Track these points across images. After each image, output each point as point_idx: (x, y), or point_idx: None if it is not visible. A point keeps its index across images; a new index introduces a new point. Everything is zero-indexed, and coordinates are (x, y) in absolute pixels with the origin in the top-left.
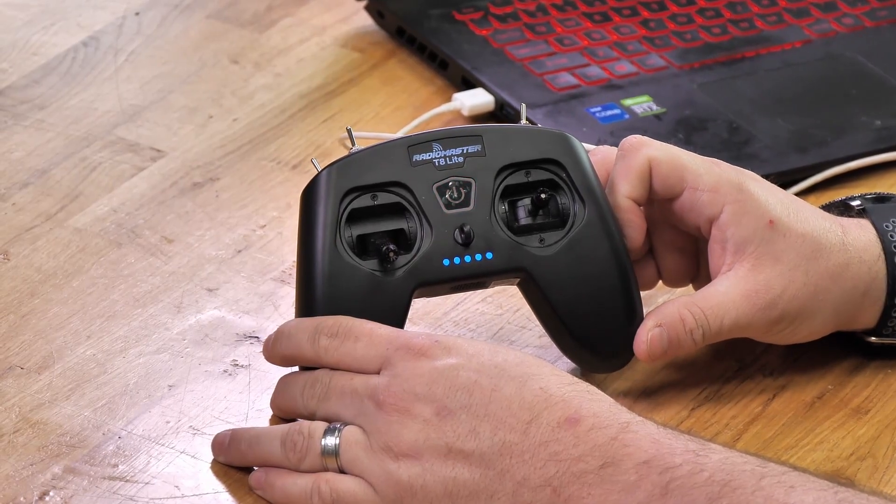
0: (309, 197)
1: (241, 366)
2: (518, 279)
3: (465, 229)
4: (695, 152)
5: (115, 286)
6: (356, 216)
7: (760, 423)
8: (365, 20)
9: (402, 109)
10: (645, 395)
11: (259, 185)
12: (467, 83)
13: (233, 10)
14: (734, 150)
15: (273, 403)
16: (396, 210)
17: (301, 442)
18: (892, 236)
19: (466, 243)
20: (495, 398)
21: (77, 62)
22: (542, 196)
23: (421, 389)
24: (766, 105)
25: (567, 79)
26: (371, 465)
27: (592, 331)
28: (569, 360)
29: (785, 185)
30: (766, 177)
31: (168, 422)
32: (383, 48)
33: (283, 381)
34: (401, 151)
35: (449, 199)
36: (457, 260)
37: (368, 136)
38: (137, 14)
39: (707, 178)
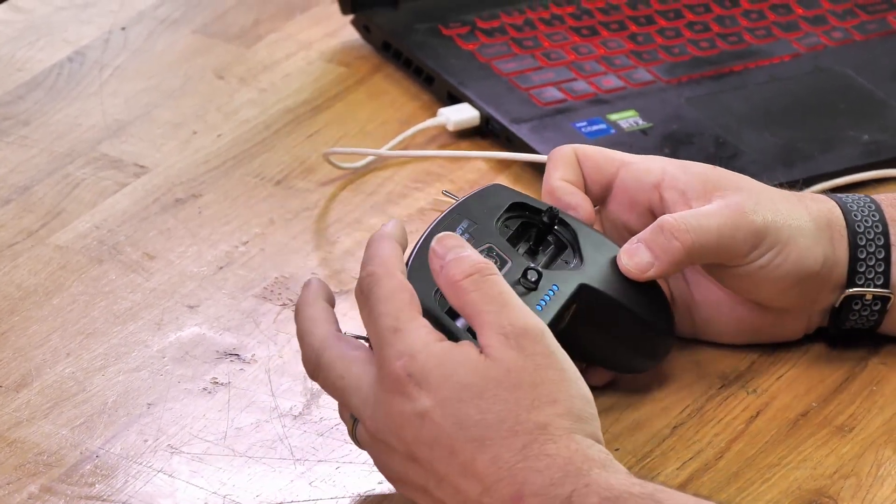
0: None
1: (221, 383)
2: (574, 308)
3: (529, 275)
4: (737, 175)
5: (95, 303)
6: None
7: (743, 440)
8: (351, 35)
9: (388, 124)
10: (627, 414)
11: (242, 202)
12: (453, 98)
13: (219, 25)
14: (721, 164)
15: None
16: None
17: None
18: (838, 195)
19: (537, 283)
20: (452, 462)
21: (62, 77)
22: (546, 220)
23: (394, 432)
24: (754, 119)
25: (553, 93)
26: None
27: (653, 309)
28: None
29: None
30: None
31: (146, 440)
32: (369, 63)
33: None
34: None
35: None
36: (542, 301)
37: (352, 151)
38: (123, 29)
39: (637, 156)
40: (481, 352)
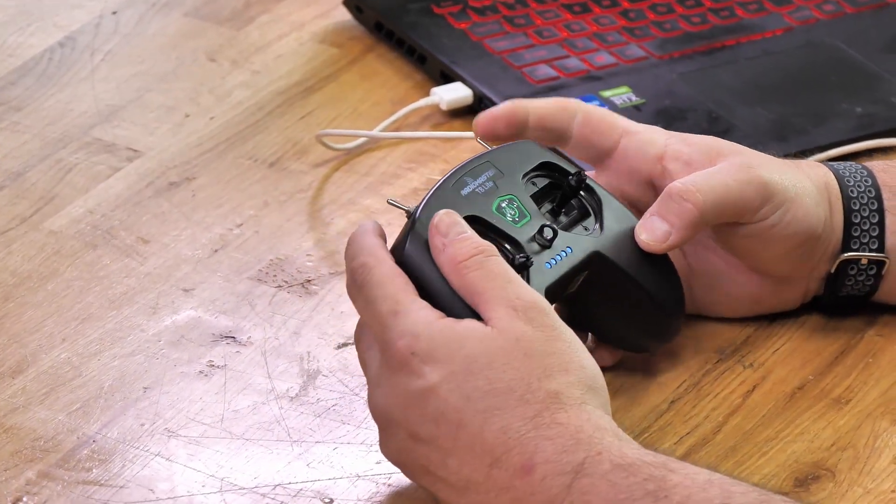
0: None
1: (217, 366)
2: (585, 275)
3: (545, 232)
4: (741, 146)
5: (90, 288)
6: None
7: (740, 414)
8: (343, 15)
9: (381, 104)
10: (624, 389)
11: (236, 184)
12: (446, 77)
13: (211, 8)
14: None
15: None
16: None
17: None
18: (829, 162)
19: (551, 242)
20: (460, 436)
21: (53, 63)
22: (573, 183)
23: (396, 412)
24: (747, 94)
25: (546, 71)
26: None
27: (666, 289)
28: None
29: None
30: None
31: (143, 424)
32: (362, 43)
33: None
34: (450, 190)
35: (511, 218)
36: (553, 261)
37: (345, 133)
38: (115, 13)
39: (639, 125)
40: (487, 324)
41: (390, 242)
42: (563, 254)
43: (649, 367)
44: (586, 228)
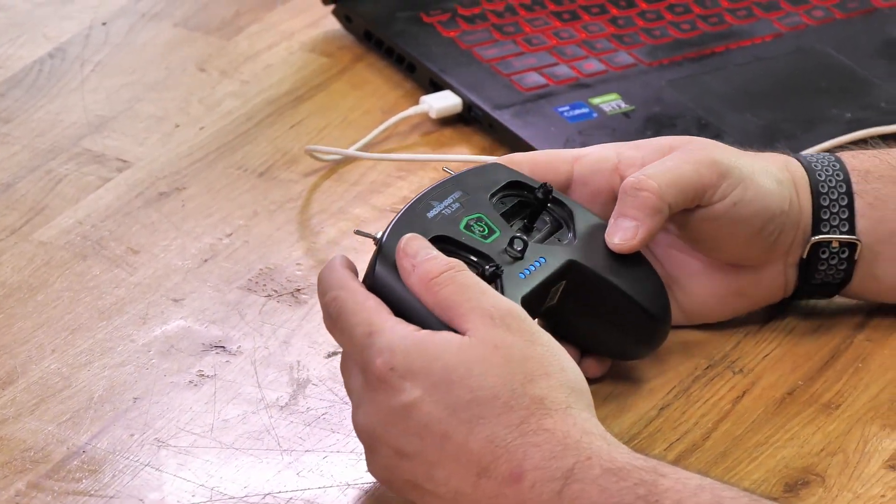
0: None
1: (207, 376)
2: (563, 285)
3: (515, 244)
4: (697, 137)
5: (79, 299)
6: None
7: (730, 420)
8: (333, 25)
9: (371, 113)
10: (614, 396)
11: (226, 194)
12: (435, 86)
13: (200, 18)
14: None
15: None
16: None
17: None
18: (794, 153)
19: (522, 253)
20: (445, 447)
21: (43, 74)
22: (540, 195)
23: (379, 429)
24: (736, 100)
25: (535, 78)
26: None
27: (648, 291)
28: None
29: None
30: None
31: (133, 434)
32: (351, 52)
33: None
34: (416, 213)
35: (479, 235)
36: (526, 271)
37: (329, 150)
38: (104, 24)
39: (587, 147)
40: (464, 335)
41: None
42: (537, 264)
43: (638, 374)
44: (560, 240)
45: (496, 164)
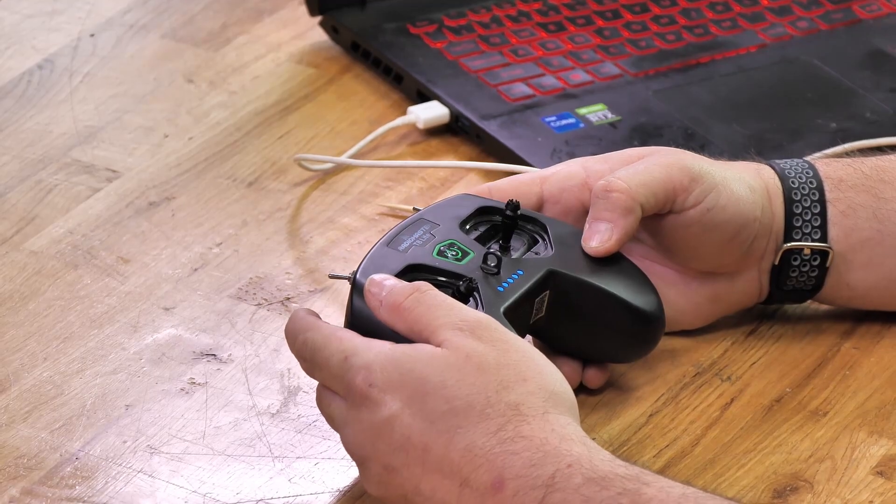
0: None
1: (198, 384)
2: (547, 295)
3: (489, 260)
4: (667, 147)
5: (71, 308)
6: None
7: (719, 427)
8: (320, 36)
9: (358, 124)
10: (603, 403)
11: (215, 203)
12: (422, 96)
13: (188, 30)
14: None
15: None
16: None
17: None
18: (769, 160)
19: (498, 268)
20: (428, 459)
21: (32, 85)
22: (509, 213)
23: (367, 445)
24: (722, 110)
25: (522, 89)
26: None
27: (636, 290)
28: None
29: None
30: None
31: (125, 442)
32: (338, 63)
33: None
34: (388, 248)
35: (453, 258)
36: (505, 284)
37: (320, 158)
38: (92, 35)
39: (553, 167)
40: (438, 346)
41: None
42: (515, 276)
43: (627, 382)
44: (537, 253)
45: (463, 194)
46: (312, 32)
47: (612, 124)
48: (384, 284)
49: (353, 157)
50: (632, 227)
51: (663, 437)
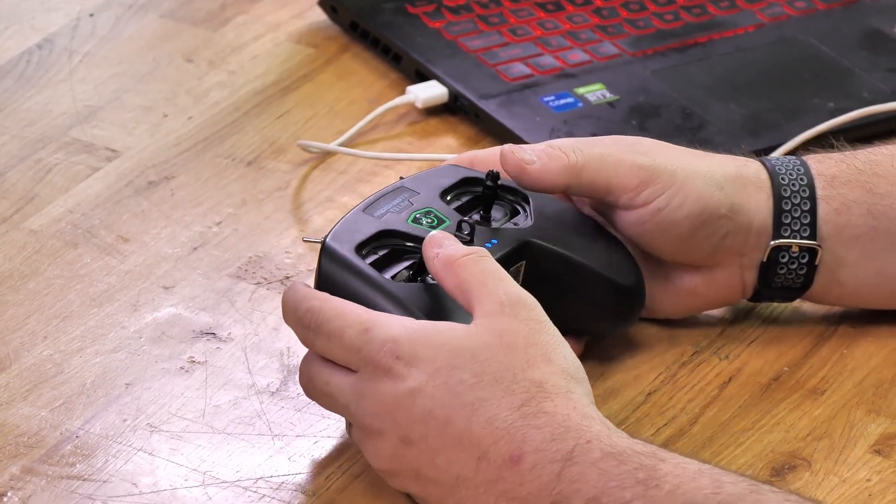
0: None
1: (198, 362)
2: (523, 266)
3: (463, 227)
4: (649, 138)
5: (71, 286)
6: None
7: (717, 406)
8: (318, 16)
9: (357, 103)
10: (601, 382)
11: (214, 183)
12: (421, 76)
13: (186, 10)
14: (688, 135)
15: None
16: (398, 254)
17: None
18: (760, 156)
19: (471, 235)
20: (448, 432)
21: (31, 65)
22: (489, 184)
23: (385, 417)
24: (720, 90)
25: (520, 69)
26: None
27: (615, 264)
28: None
29: None
30: None
31: (125, 420)
32: (337, 43)
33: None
34: (364, 213)
35: (427, 226)
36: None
37: (317, 145)
38: (91, 15)
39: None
40: (474, 318)
41: None
42: (489, 245)
43: (625, 360)
44: (516, 224)
45: (448, 165)
46: (311, 12)
47: (611, 104)
48: (445, 241)
49: (353, 136)
50: (552, 179)
51: (661, 416)
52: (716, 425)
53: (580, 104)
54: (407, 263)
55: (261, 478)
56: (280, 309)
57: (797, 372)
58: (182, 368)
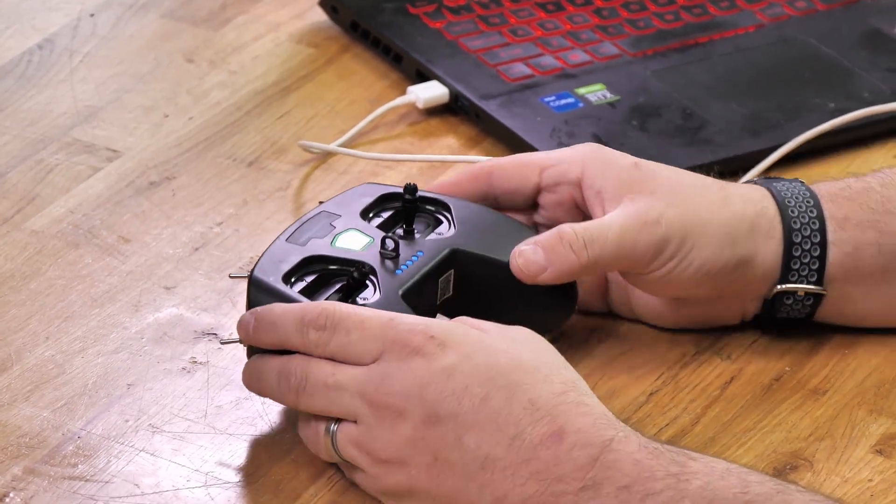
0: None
1: (200, 363)
2: (452, 274)
3: (387, 244)
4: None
5: (72, 287)
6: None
7: (719, 406)
8: (319, 16)
9: (358, 104)
10: (604, 382)
11: (215, 183)
12: (422, 76)
13: (187, 9)
14: (688, 135)
15: (247, 386)
16: (325, 278)
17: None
18: (777, 189)
19: (397, 251)
20: (484, 409)
21: (32, 65)
22: (408, 197)
23: (413, 392)
24: (720, 90)
25: (521, 69)
26: (362, 463)
27: None
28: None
29: (740, 170)
30: (720, 161)
31: (127, 420)
32: (338, 43)
33: (254, 365)
34: (287, 242)
35: (354, 247)
36: (404, 267)
37: (317, 146)
38: (92, 15)
39: (555, 154)
40: None
41: None
42: (415, 258)
43: (627, 361)
44: (440, 234)
45: (366, 184)
46: (312, 12)
47: (611, 104)
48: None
49: (354, 136)
50: (566, 280)
51: (663, 416)
52: (718, 425)
53: (581, 104)
54: (337, 286)
55: (263, 478)
56: None
57: (799, 372)
58: (184, 369)
